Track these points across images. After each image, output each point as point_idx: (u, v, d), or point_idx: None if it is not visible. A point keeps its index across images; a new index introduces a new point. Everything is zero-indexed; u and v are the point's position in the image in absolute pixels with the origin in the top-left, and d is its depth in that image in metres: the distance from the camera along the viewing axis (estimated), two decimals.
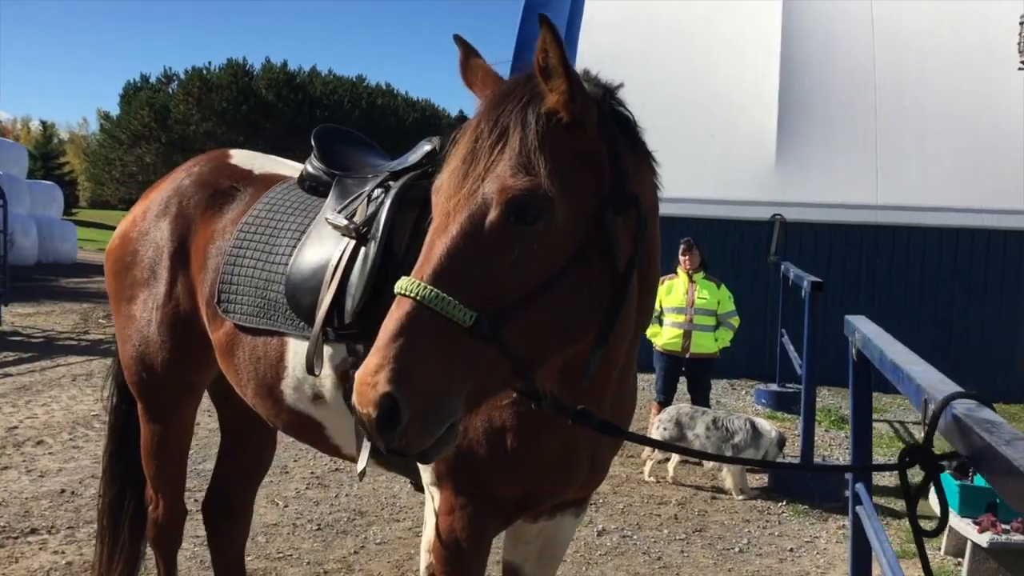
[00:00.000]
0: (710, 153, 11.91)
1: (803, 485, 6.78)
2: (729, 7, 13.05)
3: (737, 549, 5.65)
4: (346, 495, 6.32)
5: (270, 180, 3.24)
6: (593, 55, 12.75)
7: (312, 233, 2.88)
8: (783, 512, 6.50)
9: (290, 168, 3.36)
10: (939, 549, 5.63)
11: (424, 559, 2.64)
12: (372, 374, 1.72)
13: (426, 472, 2.57)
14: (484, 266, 1.80)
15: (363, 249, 2.72)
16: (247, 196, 3.18)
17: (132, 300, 3.27)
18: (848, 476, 4.15)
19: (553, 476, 2.60)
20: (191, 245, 3.19)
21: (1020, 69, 5.44)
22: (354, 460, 2.97)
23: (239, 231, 3.05)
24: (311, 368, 2.70)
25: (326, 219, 2.81)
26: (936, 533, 2.09)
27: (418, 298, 1.77)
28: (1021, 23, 5.22)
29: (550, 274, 1.84)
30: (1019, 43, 5.29)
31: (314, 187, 3.09)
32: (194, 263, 3.16)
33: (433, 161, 2.78)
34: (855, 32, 12.49)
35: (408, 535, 5.58)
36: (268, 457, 3.80)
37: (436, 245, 1.83)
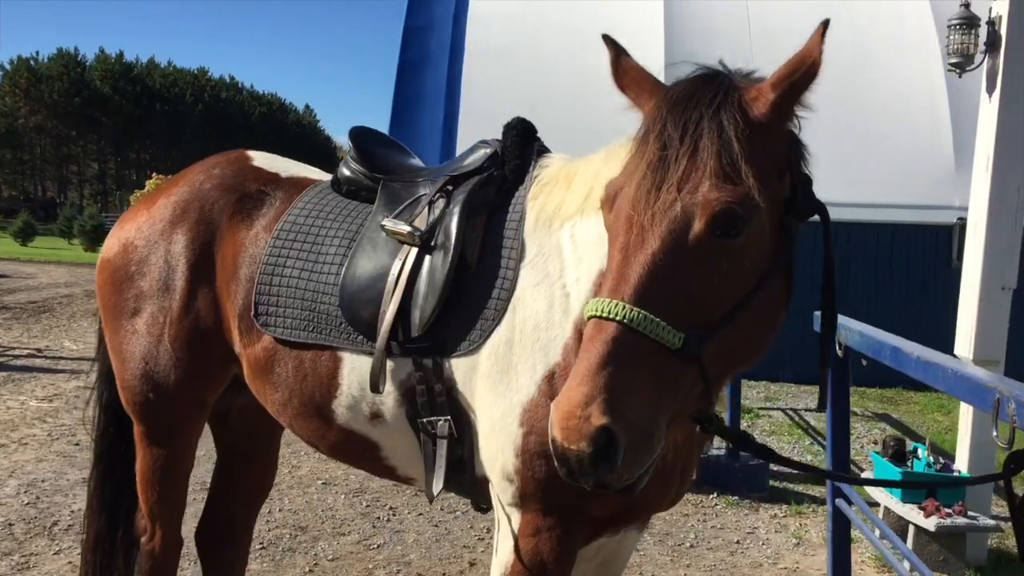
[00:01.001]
0: (596, 150, 12.01)
1: (731, 476, 6.93)
2: (614, 5, 13.21)
3: (688, 544, 5.71)
4: (279, 510, 6.04)
5: (300, 183, 3.03)
6: (480, 49, 12.71)
7: (364, 240, 2.71)
8: (716, 504, 6.62)
9: (315, 172, 3.16)
10: (875, 532, 5.85)
11: None
12: (582, 406, 1.59)
13: (505, 493, 2.45)
14: (686, 283, 1.70)
15: (428, 258, 2.57)
16: (277, 201, 2.96)
17: (137, 314, 2.99)
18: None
19: (650, 490, 2.53)
20: (216, 254, 2.94)
21: (950, 71, 5.72)
22: (408, 482, 2.83)
23: (276, 239, 2.84)
24: (375, 385, 2.53)
25: (383, 225, 2.64)
26: None
27: (624, 320, 1.64)
28: (949, 26, 5.47)
29: (747, 288, 1.76)
30: (947, 46, 5.55)
31: (354, 191, 2.91)
32: (220, 273, 2.92)
33: (496, 165, 2.67)
34: (733, 29, 12.87)
35: (359, 548, 5.38)
36: (270, 478, 3.56)
37: (632, 262, 1.71)
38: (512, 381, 2.39)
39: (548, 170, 2.63)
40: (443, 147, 12.15)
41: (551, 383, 2.33)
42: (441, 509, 6.16)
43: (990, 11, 5.43)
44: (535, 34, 12.94)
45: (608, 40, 2.11)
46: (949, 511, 5.27)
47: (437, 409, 2.52)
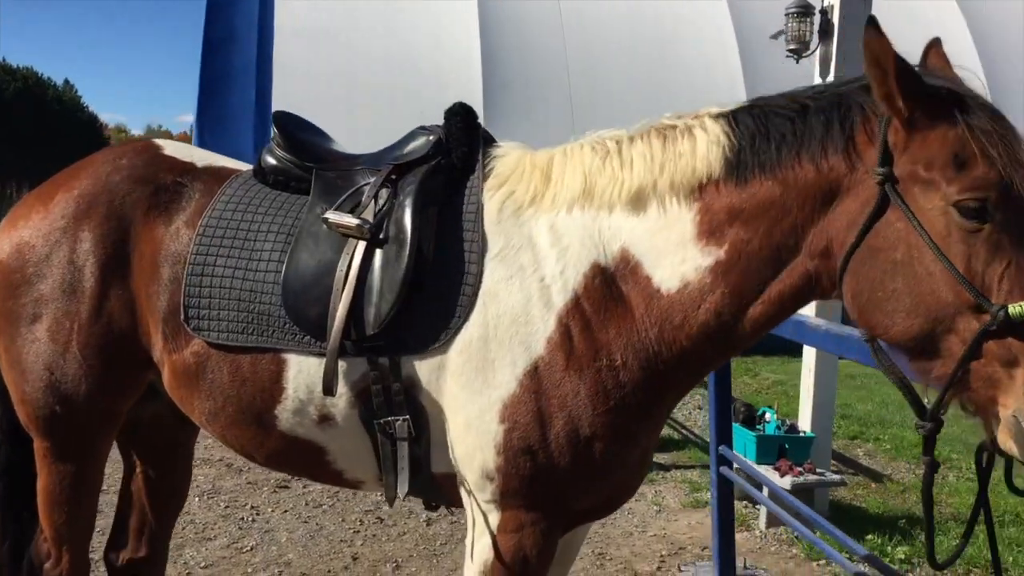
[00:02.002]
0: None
1: None
2: None
3: None
4: None
5: (218, 174, 2.82)
6: (290, 29, 12.32)
7: (303, 234, 2.56)
8: None
9: (230, 161, 2.95)
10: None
11: None
12: None
13: (483, 491, 2.41)
14: None
15: (379, 252, 2.47)
16: (197, 193, 2.74)
17: (37, 320, 2.70)
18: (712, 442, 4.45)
19: (629, 483, 2.56)
20: (132, 252, 2.69)
21: (788, 56, 6.07)
22: (355, 485, 2.73)
23: (202, 236, 2.63)
24: (329, 388, 2.41)
25: (325, 218, 2.50)
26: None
27: None
28: (787, 14, 5.81)
29: None
30: (785, 33, 5.89)
31: (283, 182, 2.74)
32: (137, 273, 2.68)
33: (442, 153, 2.59)
34: (546, 19, 13.12)
35: (231, 553, 5.14)
36: (186, 488, 3.32)
37: None
38: (490, 378, 2.34)
39: (505, 160, 2.59)
40: (256, 128, 11.69)
41: (533, 377, 2.31)
42: (306, 504, 5.98)
43: (822, 0, 5.81)
44: (348, 16, 12.66)
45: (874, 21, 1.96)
46: (800, 469, 5.65)
47: (395, 409, 2.44)
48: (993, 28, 14.28)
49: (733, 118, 2.27)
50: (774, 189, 2.16)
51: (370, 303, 2.43)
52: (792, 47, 5.92)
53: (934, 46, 2.23)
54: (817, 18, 5.72)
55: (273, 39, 12.28)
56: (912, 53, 2.11)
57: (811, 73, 5.97)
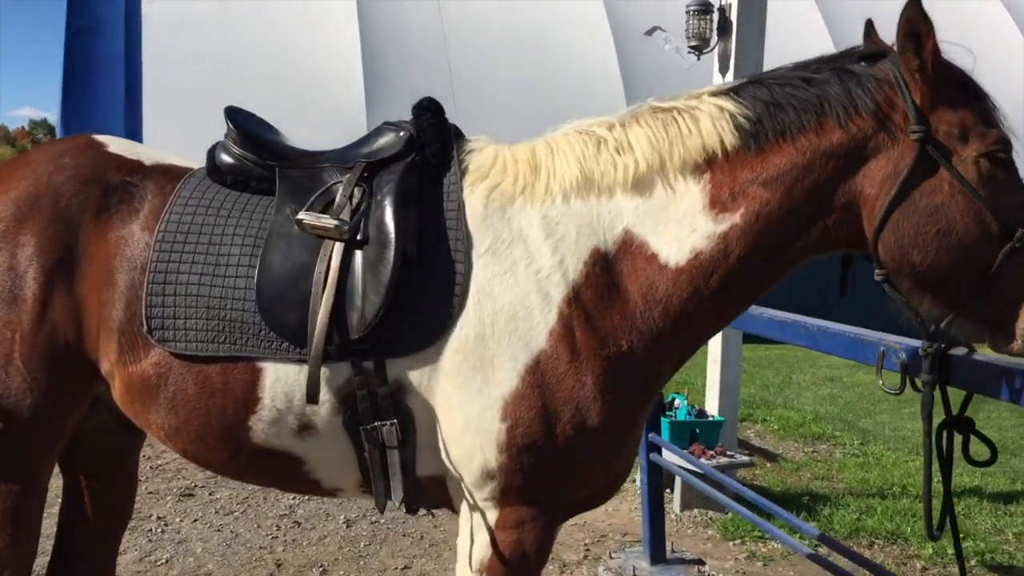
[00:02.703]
0: (297, 134, 11.69)
1: None
2: None
3: None
4: None
5: (169, 172, 2.68)
6: (160, 19, 11.84)
7: (274, 237, 2.46)
8: None
9: (178, 159, 2.80)
10: (634, 481, 6.30)
11: None
12: None
13: (482, 490, 2.39)
14: None
15: (358, 253, 2.40)
16: (149, 194, 2.60)
17: None
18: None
19: (626, 468, 2.58)
20: (80, 257, 2.53)
21: (690, 52, 6.21)
22: (332, 494, 2.67)
23: (161, 241, 2.50)
24: (313, 395, 2.34)
25: (298, 219, 2.41)
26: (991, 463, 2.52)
27: None
28: (687, 11, 5.94)
29: None
30: (686, 30, 6.03)
31: (242, 181, 2.62)
32: (86, 280, 2.52)
33: (415, 150, 2.54)
34: (426, 17, 13.04)
35: (145, 567, 4.91)
36: (131, 504, 3.14)
37: None
38: (489, 376, 2.32)
39: (481, 155, 2.56)
40: (127, 120, 11.19)
41: (536, 372, 2.30)
42: (216, 511, 5.78)
43: None
44: (221, 6, 12.23)
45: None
46: (712, 452, 5.82)
47: (382, 413, 2.39)
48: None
49: (735, 93, 2.38)
50: (795, 152, 2.29)
51: (352, 306, 2.36)
52: (693, 44, 6.08)
53: (871, 26, 2.47)
54: (716, 16, 5.87)
55: (141, 28, 11.77)
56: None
57: (710, 69, 6.14)
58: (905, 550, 5.40)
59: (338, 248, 2.40)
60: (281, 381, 2.42)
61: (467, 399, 2.33)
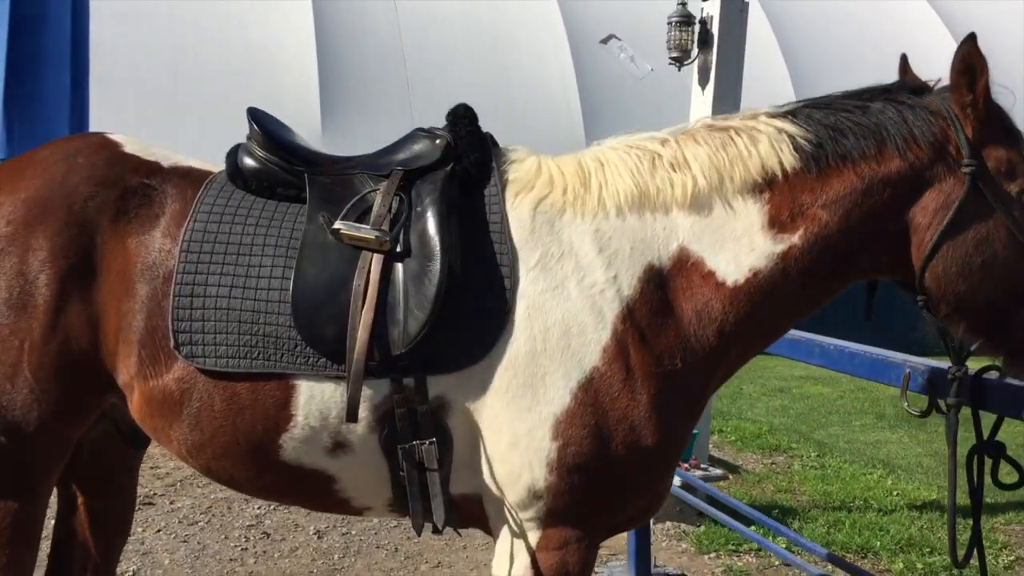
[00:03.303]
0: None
1: None
2: None
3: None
4: None
5: (188, 176, 2.56)
6: (109, 7, 11.47)
7: (308, 247, 2.36)
8: None
9: (195, 160, 2.67)
10: None
11: None
12: None
13: (527, 510, 2.33)
14: None
15: (399, 266, 2.32)
16: (169, 198, 2.48)
17: None
18: None
19: (668, 485, 2.53)
20: (97, 264, 2.40)
21: (671, 64, 6.22)
22: (359, 513, 2.57)
23: (187, 251, 2.38)
24: (353, 414, 2.24)
25: (335, 230, 2.32)
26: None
27: None
28: (669, 23, 5.95)
29: None
30: (668, 41, 6.04)
31: (268, 187, 2.51)
32: (104, 288, 2.39)
33: (453, 159, 2.46)
34: (383, 13, 12.90)
35: None
36: (131, 517, 3.00)
37: None
38: (540, 393, 2.26)
39: (522, 165, 2.50)
40: (73, 112, 10.77)
41: (589, 390, 2.25)
42: (179, 521, 5.59)
43: (702, 11, 6.01)
44: None
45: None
46: (687, 465, 5.82)
47: (421, 432, 2.31)
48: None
49: (793, 115, 2.39)
50: (855, 177, 2.32)
51: (394, 321, 2.28)
52: (674, 55, 6.08)
53: (906, 62, 2.52)
54: (697, 27, 5.88)
55: (88, 19, 11.39)
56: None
57: (689, 80, 6.16)
58: (876, 564, 5.46)
59: (377, 260, 2.31)
60: (316, 398, 2.32)
61: (516, 417, 2.27)
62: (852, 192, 2.31)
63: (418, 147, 2.51)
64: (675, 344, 2.31)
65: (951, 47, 2.55)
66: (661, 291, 2.33)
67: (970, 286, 2.28)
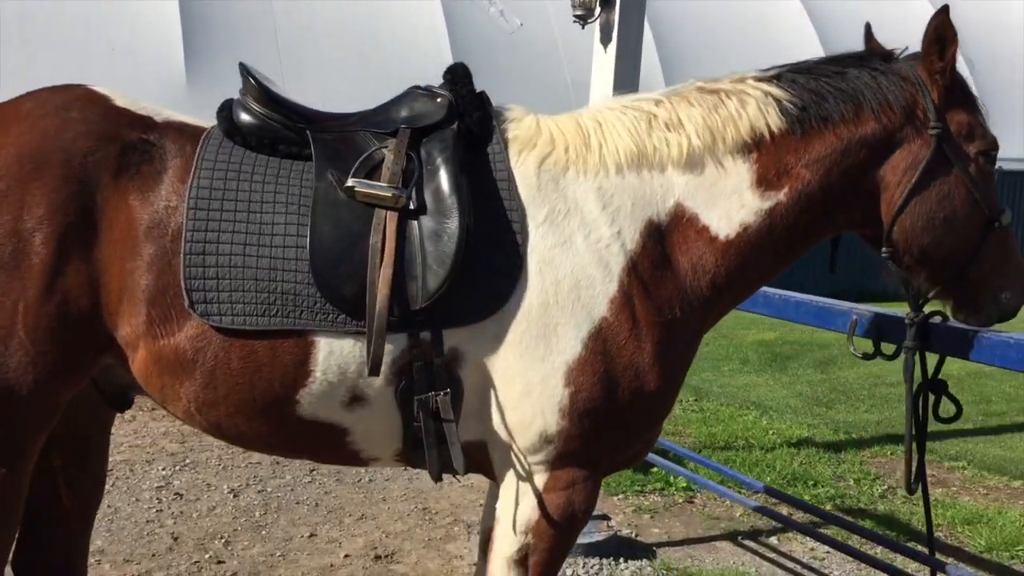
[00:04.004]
0: (115, 70, 10.87)
1: None
2: None
3: (367, 479, 5.77)
4: None
5: (183, 131, 2.50)
6: None
7: (320, 204, 2.37)
8: None
9: (184, 115, 2.60)
10: None
11: (515, 543, 2.50)
12: None
13: (537, 454, 2.45)
14: None
15: (415, 223, 2.37)
16: (169, 155, 2.42)
17: None
18: None
19: (660, 430, 2.68)
20: (99, 221, 2.32)
21: (575, 22, 6.29)
22: (366, 463, 2.63)
23: (195, 207, 2.34)
24: (376, 368, 2.29)
25: (349, 187, 2.35)
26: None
27: None
28: None
29: None
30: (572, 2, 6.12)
31: (269, 144, 2.49)
32: (107, 247, 2.32)
33: (456, 117, 2.51)
34: (257, 23, 12.43)
35: None
36: (103, 485, 2.91)
37: None
38: (553, 343, 2.37)
39: (521, 124, 2.57)
40: None
41: (598, 339, 2.37)
42: None
43: None
44: None
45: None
46: None
47: (437, 384, 2.38)
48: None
49: (778, 80, 2.55)
50: (835, 139, 2.51)
51: (411, 277, 2.33)
52: (578, 13, 6.15)
53: (870, 31, 2.73)
54: None
55: None
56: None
57: (590, 38, 6.27)
58: (768, 499, 5.86)
59: (392, 217, 2.34)
60: (335, 354, 2.35)
61: (530, 366, 2.37)
62: (832, 152, 2.50)
63: (421, 106, 2.54)
64: (674, 295, 2.46)
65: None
66: (660, 245, 2.47)
67: (933, 239, 2.52)
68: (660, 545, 4.96)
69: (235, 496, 5.37)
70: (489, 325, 2.38)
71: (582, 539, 4.69)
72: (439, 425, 2.40)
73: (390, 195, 2.33)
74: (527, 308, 2.37)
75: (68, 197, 2.30)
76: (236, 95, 2.59)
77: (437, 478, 2.49)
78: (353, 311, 2.32)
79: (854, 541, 4.72)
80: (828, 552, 4.99)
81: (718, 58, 12.05)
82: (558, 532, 2.49)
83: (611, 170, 2.48)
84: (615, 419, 2.43)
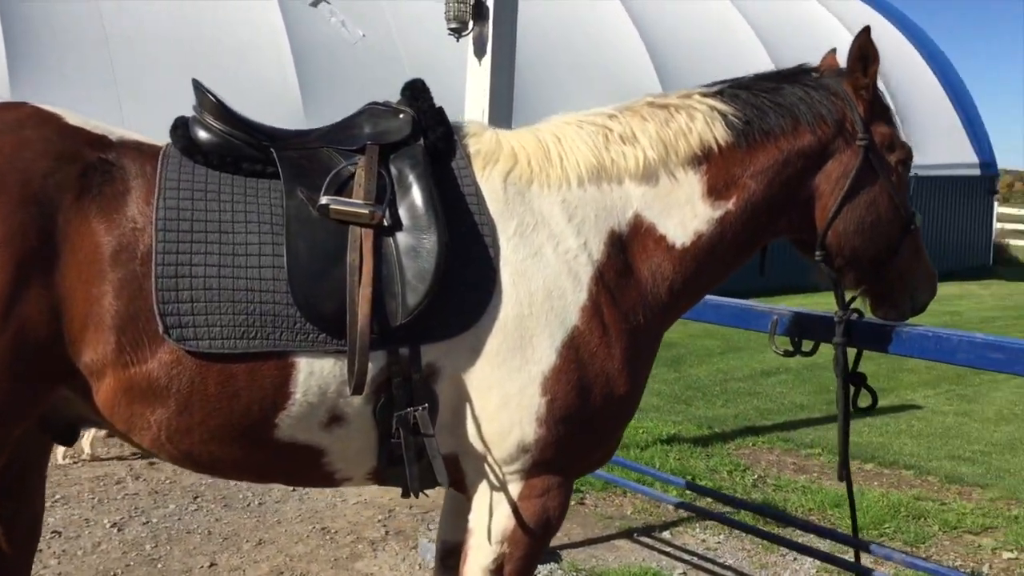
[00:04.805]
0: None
1: None
2: None
3: (258, 503, 5.60)
4: None
5: (140, 149, 2.40)
6: None
7: (293, 223, 2.33)
8: None
9: (137, 134, 2.48)
10: None
11: (491, 552, 2.53)
12: None
13: (512, 464, 2.49)
14: None
15: (390, 240, 2.37)
16: (129, 175, 2.32)
17: None
18: None
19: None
20: (60, 246, 2.20)
21: (450, 35, 6.31)
22: (338, 484, 2.62)
23: (162, 228, 2.26)
24: (361, 386, 2.27)
25: (324, 205, 2.32)
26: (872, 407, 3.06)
27: None
28: None
29: None
30: (447, 12, 6.15)
31: (232, 162, 2.43)
32: (69, 271, 2.20)
33: (420, 133, 2.52)
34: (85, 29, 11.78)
35: None
36: (41, 519, 2.72)
37: None
38: (529, 354, 2.41)
39: (481, 139, 2.61)
40: None
41: (571, 347, 2.43)
42: None
43: None
44: None
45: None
46: None
47: (415, 399, 2.38)
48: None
49: (721, 95, 2.70)
50: (777, 151, 2.67)
51: (390, 294, 2.32)
52: (453, 26, 6.23)
53: (832, 53, 2.91)
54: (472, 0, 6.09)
55: None
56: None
57: (464, 51, 6.34)
58: (687, 493, 6.09)
59: (368, 234, 2.33)
60: (316, 374, 2.31)
61: (507, 377, 2.40)
62: (775, 164, 2.67)
63: (385, 123, 2.53)
64: (637, 302, 2.56)
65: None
66: (623, 254, 2.56)
67: (862, 242, 2.73)
68: (563, 548, 5.05)
69: (119, 530, 5.09)
70: (466, 338, 2.40)
71: None
72: (419, 440, 2.40)
73: (367, 212, 2.32)
74: (503, 320, 2.41)
75: (28, 220, 2.17)
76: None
77: (417, 493, 2.48)
78: (333, 330, 2.29)
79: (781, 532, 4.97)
80: (719, 542, 5.26)
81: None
82: (533, 540, 2.53)
83: (573, 183, 2.56)
84: (589, 424, 2.50)
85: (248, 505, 5.57)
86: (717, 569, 4.91)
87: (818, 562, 4.92)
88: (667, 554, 5.08)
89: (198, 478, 5.91)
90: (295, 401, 2.31)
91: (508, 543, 2.52)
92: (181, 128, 2.46)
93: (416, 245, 2.35)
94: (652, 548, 5.15)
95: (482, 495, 2.55)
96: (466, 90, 6.36)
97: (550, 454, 2.47)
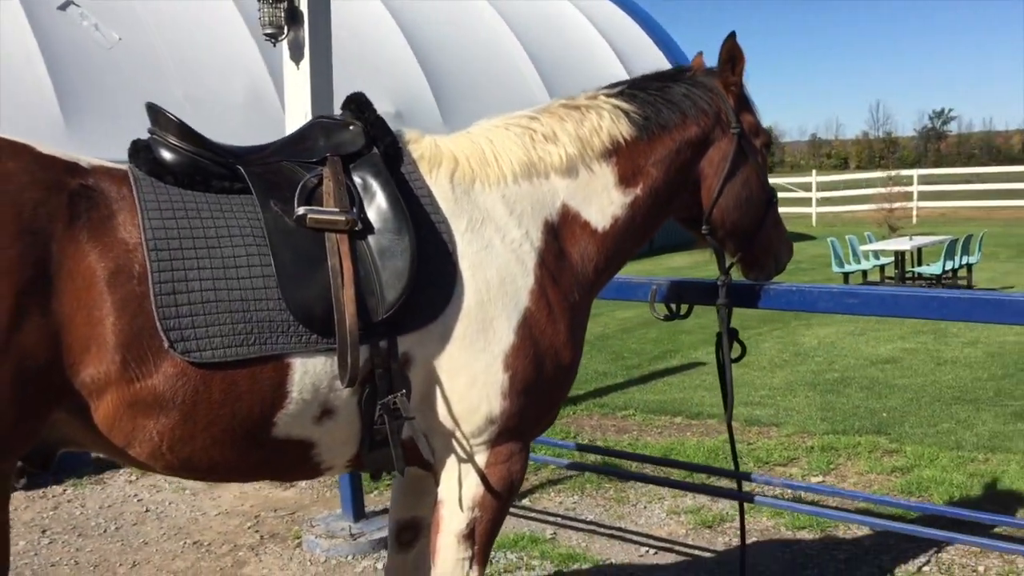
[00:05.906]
0: None
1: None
2: None
3: (113, 527, 5.43)
4: None
5: (110, 174, 2.45)
6: None
7: (275, 234, 2.48)
8: (74, 489, 6.24)
9: (97, 159, 2.50)
10: None
11: (464, 519, 2.79)
12: None
13: (480, 436, 2.74)
14: None
15: (364, 243, 2.57)
16: (110, 200, 2.37)
17: None
18: None
19: None
20: (57, 273, 2.22)
21: (266, 40, 6.24)
22: (322, 474, 2.78)
23: (155, 248, 2.34)
24: (354, 379, 2.47)
25: (301, 215, 2.49)
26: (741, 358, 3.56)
27: None
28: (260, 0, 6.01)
29: None
30: (260, 18, 6.11)
31: (203, 181, 2.53)
32: (67, 297, 2.23)
33: (372, 143, 2.72)
34: None
35: None
36: (8, 550, 2.62)
37: None
38: (491, 336, 2.69)
39: (420, 145, 2.84)
40: None
41: (525, 326, 2.74)
42: None
43: None
44: None
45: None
46: None
47: (395, 387, 2.60)
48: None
49: (622, 95, 3.08)
50: (671, 141, 3.09)
51: (369, 292, 2.52)
52: (269, 31, 6.21)
53: (699, 55, 3.31)
54: (285, 3, 6.14)
55: None
56: None
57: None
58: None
59: (344, 239, 2.52)
60: (309, 373, 2.47)
61: (473, 358, 2.67)
62: (670, 153, 3.08)
63: (339, 135, 2.71)
64: (571, 282, 2.89)
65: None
66: (556, 241, 2.88)
67: (740, 215, 3.21)
68: None
69: (43, 532, 4.83)
70: (435, 327, 2.63)
71: (375, 535, 4.92)
72: (400, 424, 2.61)
73: (344, 219, 2.50)
74: (467, 308, 2.66)
75: (24, 251, 2.18)
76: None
77: (402, 472, 2.68)
78: (323, 330, 2.46)
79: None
80: (575, 502, 5.70)
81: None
82: (501, 502, 2.82)
83: (509, 179, 2.85)
84: (544, 392, 2.80)
85: (105, 531, 5.40)
86: (581, 525, 5.34)
87: (667, 504, 5.50)
88: (532, 519, 5.45)
89: (36, 512, 5.66)
90: (292, 399, 2.46)
91: (479, 507, 2.78)
92: (144, 151, 2.52)
93: (389, 246, 2.56)
94: (518, 516, 5.49)
95: (451, 468, 2.79)
96: (285, 94, 6.41)
97: (513, 423, 2.76)
